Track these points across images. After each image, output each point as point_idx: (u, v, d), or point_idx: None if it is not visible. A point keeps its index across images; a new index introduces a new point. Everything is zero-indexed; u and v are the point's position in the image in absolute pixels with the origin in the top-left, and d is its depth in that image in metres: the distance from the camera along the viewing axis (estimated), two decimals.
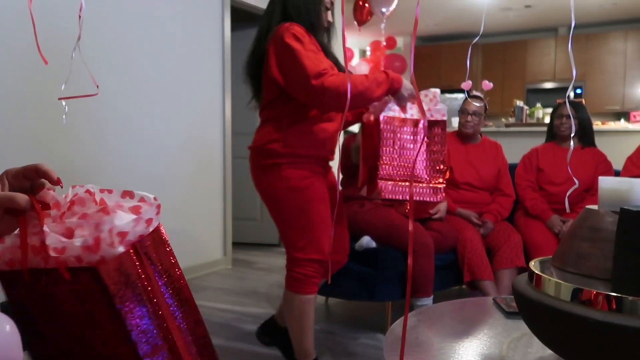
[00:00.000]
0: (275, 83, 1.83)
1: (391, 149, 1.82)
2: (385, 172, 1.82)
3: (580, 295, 0.80)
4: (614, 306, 0.76)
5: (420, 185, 1.86)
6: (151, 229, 0.67)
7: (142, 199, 0.69)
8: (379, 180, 1.83)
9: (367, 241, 2.58)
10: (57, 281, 0.63)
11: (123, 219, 0.64)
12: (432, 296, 2.52)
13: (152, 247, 0.69)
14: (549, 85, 7.93)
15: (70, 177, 2.94)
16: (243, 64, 2.00)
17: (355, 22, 6.40)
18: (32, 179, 0.69)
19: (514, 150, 3.69)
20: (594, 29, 7.77)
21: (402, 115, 1.84)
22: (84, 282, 0.63)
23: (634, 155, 2.69)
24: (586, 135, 2.88)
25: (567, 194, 1.11)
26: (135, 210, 0.67)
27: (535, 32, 8.21)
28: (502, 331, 1.20)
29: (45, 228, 0.64)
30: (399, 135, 1.84)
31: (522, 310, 0.92)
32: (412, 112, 1.86)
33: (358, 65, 6.33)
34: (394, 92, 1.84)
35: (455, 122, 4.56)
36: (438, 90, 1.90)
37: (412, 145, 1.84)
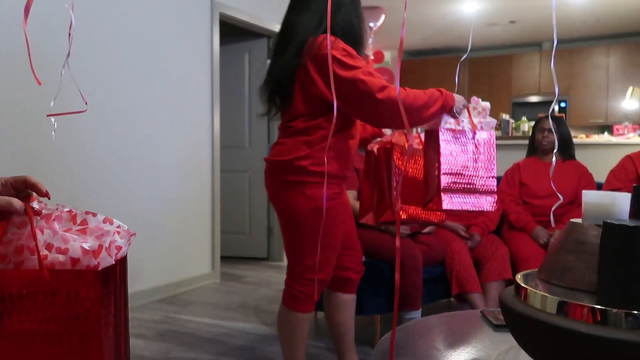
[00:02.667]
0: (318, 99, 1.78)
1: (449, 159, 1.83)
2: (446, 183, 1.81)
3: (565, 308, 0.81)
4: (599, 318, 0.77)
5: (478, 195, 1.86)
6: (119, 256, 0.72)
7: (118, 227, 0.73)
8: (442, 193, 1.82)
9: None
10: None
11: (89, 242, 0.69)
12: (420, 309, 2.52)
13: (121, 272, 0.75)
14: (534, 98, 8.04)
15: (59, 192, 2.91)
16: (270, 74, 1.89)
17: None
18: (19, 189, 0.73)
19: (501, 163, 3.72)
20: (577, 44, 7.92)
21: (458, 127, 1.87)
22: (78, 283, 0.65)
23: (616, 168, 2.74)
24: (567, 149, 2.94)
25: (552, 209, 1.12)
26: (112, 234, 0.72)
27: (520, 46, 8.34)
28: (490, 344, 1.20)
29: (55, 225, 0.68)
30: (456, 146, 1.86)
31: (509, 323, 0.93)
32: (464, 124, 1.88)
33: None
34: (449, 110, 1.83)
35: None
36: (488, 104, 1.92)
37: (467, 156, 1.85)
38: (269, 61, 5.01)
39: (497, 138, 6.29)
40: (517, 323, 0.89)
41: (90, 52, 3.09)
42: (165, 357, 2.51)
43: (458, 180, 1.82)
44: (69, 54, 0.94)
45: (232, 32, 4.60)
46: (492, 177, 1.89)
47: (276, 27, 4.56)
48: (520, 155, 3.27)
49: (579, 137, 6.11)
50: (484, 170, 1.88)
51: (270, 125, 4.73)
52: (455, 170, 1.82)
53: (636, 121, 7.26)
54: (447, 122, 1.84)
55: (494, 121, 1.90)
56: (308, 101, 1.80)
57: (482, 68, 8.31)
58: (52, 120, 2.77)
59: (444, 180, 1.80)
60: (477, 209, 1.85)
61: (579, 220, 0.94)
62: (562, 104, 7.79)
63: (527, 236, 2.80)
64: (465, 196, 1.84)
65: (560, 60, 7.69)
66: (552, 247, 0.96)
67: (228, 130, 4.72)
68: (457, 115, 1.84)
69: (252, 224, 4.81)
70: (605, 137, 6.47)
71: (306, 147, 1.79)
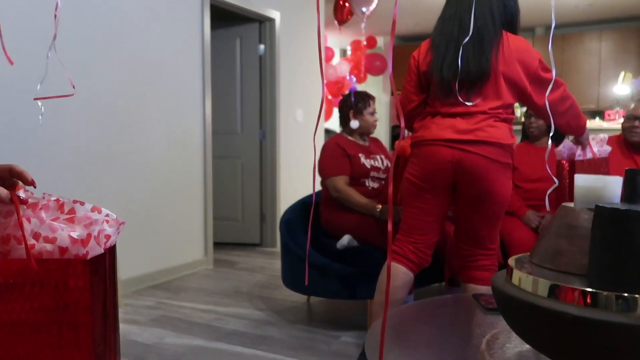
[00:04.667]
0: (520, 92, 1.97)
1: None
2: None
3: (557, 291, 0.81)
4: (590, 301, 0.78)
5: None
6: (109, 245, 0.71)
7: (107, 215, 0.72)
8: None
9: (348, 240, 2.58)
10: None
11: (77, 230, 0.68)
12: (413, 293, 2.54)
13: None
14: None
15: (46, 179, 2.89)
16: (459, 66, 1.90)
17: (336, 22, 6.41)
18: (4, 178, 0.71)
19: None
20: (569, 29, 7.90)
21: (585, 158, 2.22)
22: (66, 273, 0.64)
23: None
24: (557, 133, 2.96)
25: (548, 192, 1.13)
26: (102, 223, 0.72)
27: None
28: (481, 327, 1.21)
29: (42, 214, 0.67)
30: (585, 169, 2.21)
31: (501, 306, 0.93)
32: (588, 151, 2.24)
33: (339, 65, 6.35)
34: (583, 132, 2.11)
35: None
36: (606, 136, 2.29)
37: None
38: (262, 46, 4.95)
39: None
40: (509, 306, 0.89)
41: (78, 36, 3.04)
42: (158, 342, 2.52)
43: None
44: (55, 37, 0.92)
45: (224, 17, 4.55)
46: None
47: (268, 12, 4.51)
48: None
49: None
50: None
51: (262, 111, 4.70)
52: None
53: (628, 107, 7.29)
54: (579, 155, 2.21)
55: (609, 148, 2.27)
56: (514, 93, 1.96)
57: None
58: (39, 104, 2.73)
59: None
60: None
61: (570, 204, 0.94)
62: None
63: (519, 220, 2.82)
64: None
65: (553, 45, 7.69)
66: (544, 231, 0.96)
67: (220, 116, 4.69)
68: (584, 143, 2.18)
69: (244, 210, 4.80)
70: (596, 123, 6.50)
71: (510, 133, 1.96)
